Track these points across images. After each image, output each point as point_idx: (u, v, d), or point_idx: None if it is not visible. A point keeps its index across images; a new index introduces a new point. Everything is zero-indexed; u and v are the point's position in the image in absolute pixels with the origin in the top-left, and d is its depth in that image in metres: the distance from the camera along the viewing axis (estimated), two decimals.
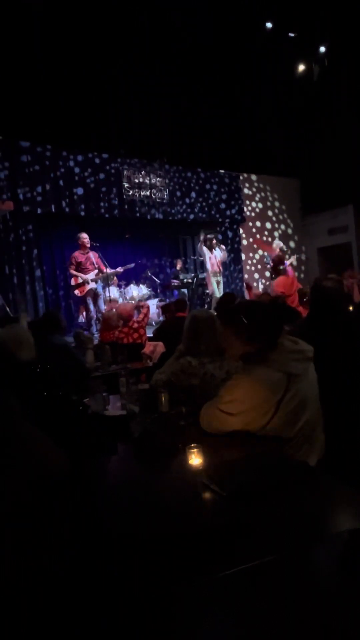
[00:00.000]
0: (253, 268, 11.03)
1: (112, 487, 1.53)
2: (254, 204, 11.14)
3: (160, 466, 1.60)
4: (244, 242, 10.92)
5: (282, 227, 11.63)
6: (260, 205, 11.26)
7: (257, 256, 11.08)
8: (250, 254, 11.03)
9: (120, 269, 7.94)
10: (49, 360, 2.89)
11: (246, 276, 10.78)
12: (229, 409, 1.69)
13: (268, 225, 11.38)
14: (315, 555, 1.04)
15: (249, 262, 11.00)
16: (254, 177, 11.13)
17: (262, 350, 1.73)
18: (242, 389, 1.69)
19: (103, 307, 7.49)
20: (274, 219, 11.50)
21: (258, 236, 11.11)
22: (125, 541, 1.14)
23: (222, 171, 10.40)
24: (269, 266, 9.30)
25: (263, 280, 10.71)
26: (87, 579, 1.01)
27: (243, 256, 10.86)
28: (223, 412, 1.70)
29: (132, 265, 8.51)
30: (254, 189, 11.17)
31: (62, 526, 1.20)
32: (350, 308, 4.18)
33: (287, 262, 8.63)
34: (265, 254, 10.02)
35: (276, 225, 11.51)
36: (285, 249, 10.84)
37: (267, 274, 10.13)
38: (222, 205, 10.35)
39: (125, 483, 1.55)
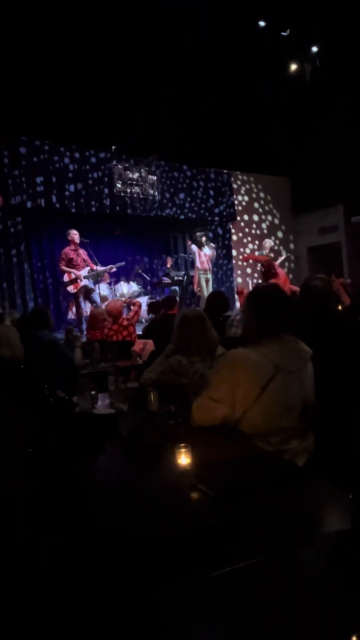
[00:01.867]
0: (245, 263, 11.07)
1: (100, 487, 1.51)
2: (244, 203, 11.16)
3: (148, 466, 1.58)
4: (234, 237, 10.94)
5: (272, 226, 11.68)
6: (250, 203, 11.29)
7: (247, 251, 11.11)
8: (241, 249, 11.06)
9: (112, 267, 7.91)
10: (36, 357, 2.86)
11: (239, 280, 10.82)
12: (215, 394, 1.72)
13: (258, 222, 11.42)
14: (304, 556, 1.04)
15: (240, 257, 11.05)
16: (244, 175, 11.14)
17: (260, 329, 1.76)
18: (225, 368, 1.75)
19: (99, 303, 7.47)
20: (264, 217, 11.54)
21: (251, 246, 11.13)
22: (113, 541, 1.13)
23: (213, 169, 10.39)
24: (260, 269, 9.31)
25: (256, 275, 10.72)
26: (76, 579, 1.00)
27: (234, 252, 10.88)
28: (211, 400, 1.73)
29: (123, 263, 8.49)
30: (245, 188, 11.19)
31: (55, 526, 1.19)
32: (339, 308, 4.20)
33: (277, 263, 8.65)
34: (259, 253, 10.04)
35: (266, 224, 11.55)
36: (277, 248, 10.89)
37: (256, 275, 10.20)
38: (213, 203, 10.35)
39: (113, 483, 1.54)
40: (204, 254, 8.83)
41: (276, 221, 11.75)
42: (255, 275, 10.76)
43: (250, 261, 10.62)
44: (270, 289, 1.93)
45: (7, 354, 2.03)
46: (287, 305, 1.87)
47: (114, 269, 7.98)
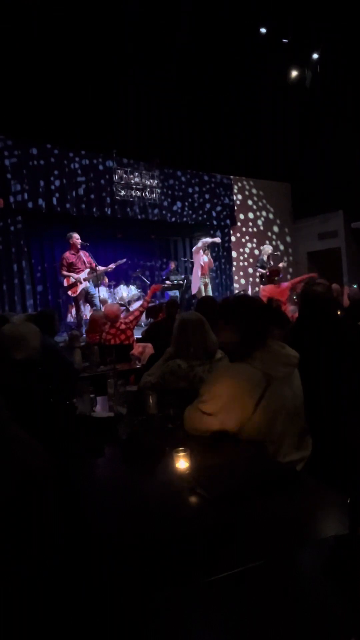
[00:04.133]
0: (245, 263, 11.09)
1: (99, 490, 1.51)
2: (245, 207, 11.20)
3: (147, 469, 1.58)
4: (234, 241, 10.96)
5: (272, 231, 11.71)
6: (251, 208, 11.33)
7: (247, 249, 11.12)
8: (241, 249, 11.08)
9: (112, 265, 7.92)
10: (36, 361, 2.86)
11: (242, 282, 10.84)
12: (207, 408, 1.69)
13: (258, 227, 11.45)
14: (301, 560, 1.04)
15: (241, 257, 11.07)
16: (245, 180, 11.18)
17: (246, 345, 1.73)
18: (220, 384, 1.70)
19: (99, 306, 7.48)
20: (264, 222, 11.57)
21: (250, 245, 11.16)
22: (110, 545, 1.13)
23: (213, 174, 10.43)
24: (261, 270, 9.32)
25: (257, 273, 10.74)
26: (74, 582, 1.00)
27: (234, 254, 10.90)
28: (203, 412, 1.70)
29: (124, 260, 8.47)
30: (245, 193, 11.23)
31: (51, 528, 1.19)
32: (339, 312, 4.21)
33: (282, 266, 8.71)
34: (259, 259, 10.05)
35: (266, 229, 11.59)
36: (276, 253, 10.92)
37: (257, 280, 10.20)
38: (214, 208, 10.39)
39: (112, 486, 1.54)
40: (203, 259, 8.87)
41: (276, 226, 11.79)
42: (257, 273, 10.78)
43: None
44: (242, 302, 1.87)
45: (20, 357, 2.02)
46: (264, 312, 1.83)
47: (114, 267, 7.99)
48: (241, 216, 11.10)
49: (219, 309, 1.90)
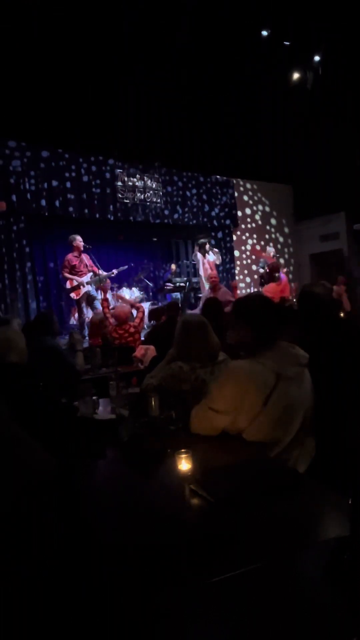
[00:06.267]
0: (249, 261, 11.10)
1: (100, 492, 1.52)
2: (246, 209, 11.20)
3: (149, 471, 1.59)
4: (236, 244, 10.98)
5: (275, 233, 11.72)
6: (253, 210, 11.33)
7: (248, 247, 11.13)
8: (243, 248, 11.09)
9: (114, 271, 7.94)
10: (38, 362, 2.88)
11: (248, 280, 10.86)
12: (217, 405, 1.70)
13: (260, 229, 11.46)
14: (303, 562, 1.04)
15: (243, 256, 11.09)
16: (247, 182, 11.20)
17: (257, 343, 1.74)
18: (230, 381, 1.71)
19: (101, 309, 7.49)
20: (266, 224, 11.58)
21: (250, 242, 11.19)
22: (113, 547, 1.13)
23: (215, 176, 10.45)
24: (261, 271, 9.34)
25: (257, 276, 10.78)
26: (75, 585, 1.00)
27: (237, 253, 10.91)
28: (211, 410, 1.71)
29: (126, 267, 8.50)
30: (247, 194, 11.24)
31: (51, 531, 1.19)
32: (341, 314, 4.20)
33: (283, 271, 8.73)
34: (262, 260, 10.07)
35: (268, 231, 11.59)
36: (278, 255, 10.93)
37: (255, 277, 10.22)
38: (215, 210, 10.40)
39: (114, 488, 1.54)
40: (206, 261, 8.86)
41: (278, 228, 11.79)
42: (257, 275, 10.80)
43: (255, 257, 10.60)
44: (256, 300, 1.90)
45: (14, 359, 2.06)
46: (276, 312, 1.85)
47: (115, 273, 8.01)
48: (243, 217, 11.10)
49: (233, 307, 1.92)
